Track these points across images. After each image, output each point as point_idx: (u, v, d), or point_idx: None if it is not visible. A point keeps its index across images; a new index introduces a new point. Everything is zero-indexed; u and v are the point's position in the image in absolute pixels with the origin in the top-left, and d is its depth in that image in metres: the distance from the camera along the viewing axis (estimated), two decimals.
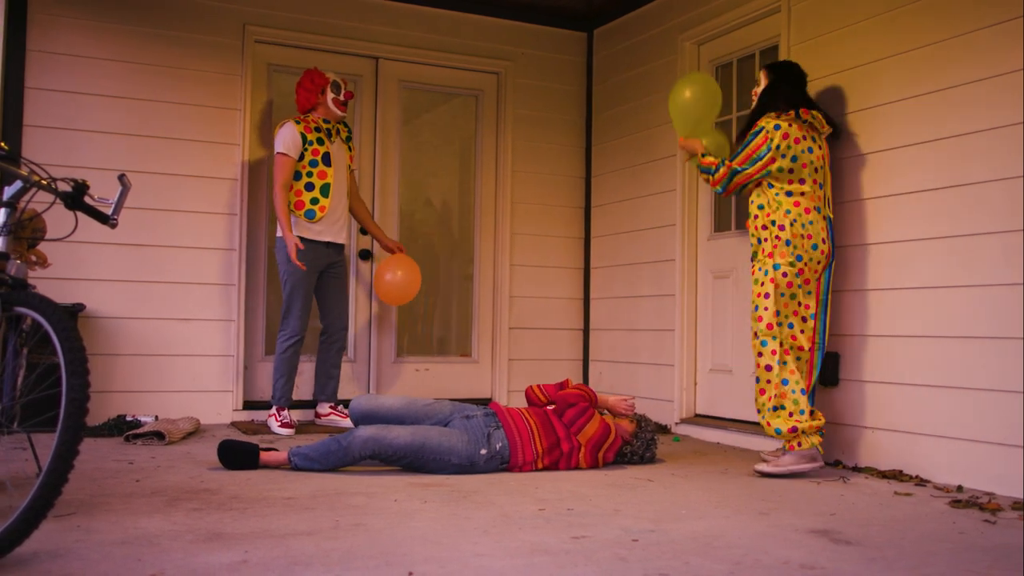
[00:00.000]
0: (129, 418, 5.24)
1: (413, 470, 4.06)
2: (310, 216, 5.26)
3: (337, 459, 3.98)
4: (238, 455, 4.04)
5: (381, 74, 6.29)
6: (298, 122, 5.31)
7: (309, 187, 5.27)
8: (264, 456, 4.06)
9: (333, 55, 6.12)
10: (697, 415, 5.73)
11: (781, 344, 4.20)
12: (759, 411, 4.25)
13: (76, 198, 2.89)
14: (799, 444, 4.16)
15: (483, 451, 4.07)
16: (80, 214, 2.95)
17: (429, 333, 6.65)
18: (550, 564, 2.58)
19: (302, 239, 5.24)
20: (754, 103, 4.51)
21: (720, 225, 5.68)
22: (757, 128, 4.32)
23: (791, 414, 4.13)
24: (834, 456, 4.56)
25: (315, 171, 5.28)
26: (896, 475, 4.15)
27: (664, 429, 5.73)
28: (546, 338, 6.67)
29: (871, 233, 4.43)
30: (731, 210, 5.55)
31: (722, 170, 4.37)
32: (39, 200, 3.15)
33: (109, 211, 2.97)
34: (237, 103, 5.79)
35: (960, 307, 4.00)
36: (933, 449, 4.08)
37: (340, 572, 2.45)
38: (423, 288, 6.57)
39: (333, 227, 5.38)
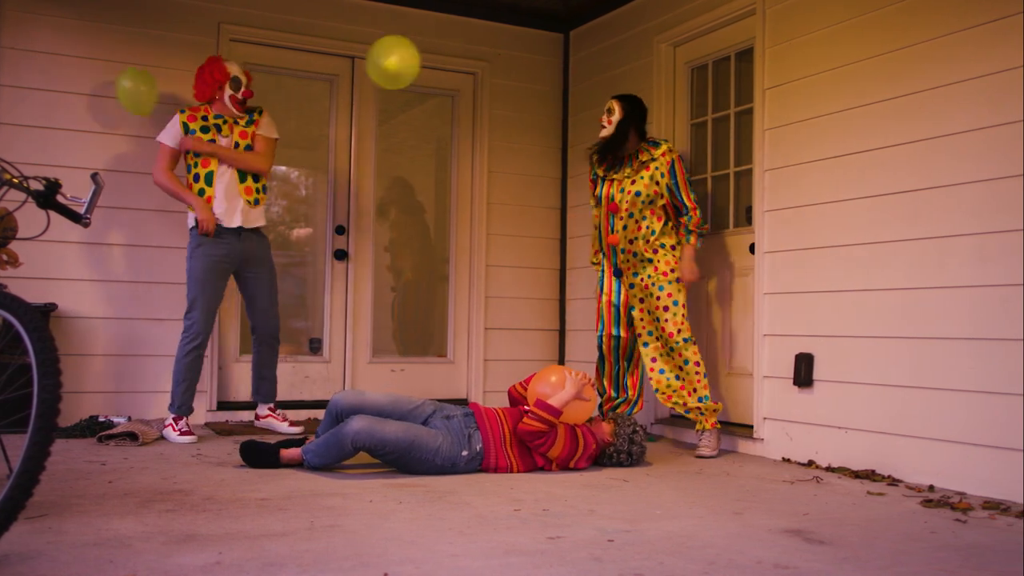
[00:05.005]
0: (102, 419, 5.19)
1: (398, 467, 4.07)
2: None
3: (336, 451, 4.03)
4: (260, 455, 4.15)
5: (358, 74, 6.27)
6: (183, 111, 5.14)
7: (196, 178, 5.10)
8: (284, 453, 4.18)
9: (309, 54, 6.09)
10: (672, 415, 5.75)
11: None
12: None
13: (48, 197, 2.87)
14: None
15: (464, 452, 4.09)
16: (52, 213, 2.93)
17: (404, 333, 6.64)
18: (526, 564, 2.58)
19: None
20: (608, 128, 5.02)
21: None
22: (655, 160, 4.94)
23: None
24: (807, 456, 4.59)
25: (199, 160, 5.09)
26: (869, 475, 4.19)
27: None
28: (522, 339, 6.67)
29: (845, 234, 4.47)
30: (707, 214, 5.57)
31: (696, 219, 4.98)
32: (10, 198, 3.12)
33: (82, 210, 2.95)
34: None
35: (932, 308, 4.04)
36: (905, 449, 4.12)
37: (315, 573, 2.44)
38: (397, 288, 6.57)
39: (232, 212, 5.10)
